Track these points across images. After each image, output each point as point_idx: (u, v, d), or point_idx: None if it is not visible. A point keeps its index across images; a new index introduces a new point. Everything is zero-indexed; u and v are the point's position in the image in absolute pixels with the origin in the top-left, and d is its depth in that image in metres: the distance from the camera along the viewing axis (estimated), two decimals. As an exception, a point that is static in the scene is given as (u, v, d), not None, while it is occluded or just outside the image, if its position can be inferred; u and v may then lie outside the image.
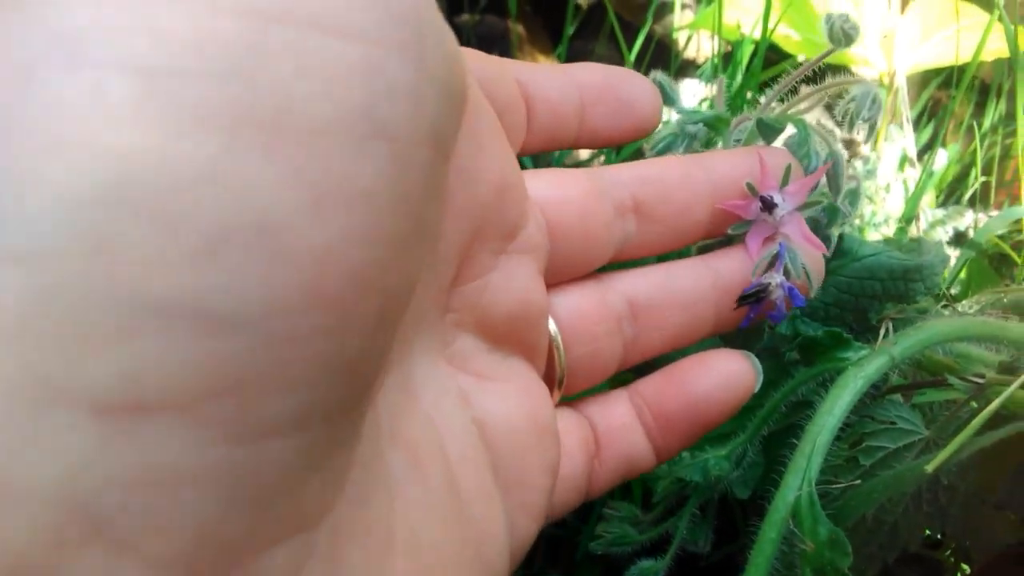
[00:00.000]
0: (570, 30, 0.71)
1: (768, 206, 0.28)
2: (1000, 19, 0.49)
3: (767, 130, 0.32)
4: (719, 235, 0.30)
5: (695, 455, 0.35)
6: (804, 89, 0.33)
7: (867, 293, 0.34)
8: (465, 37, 0.94)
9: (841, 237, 0.34)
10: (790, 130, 0.32)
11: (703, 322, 0.29)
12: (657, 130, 0.33)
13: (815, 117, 0.34)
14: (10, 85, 0.12)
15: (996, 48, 0.63)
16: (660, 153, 0.33)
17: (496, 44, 0.96)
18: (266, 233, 0.13)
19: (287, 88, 0.13)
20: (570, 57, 0.95)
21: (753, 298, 0.28)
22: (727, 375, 0.29)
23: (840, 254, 0.34)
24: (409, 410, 0.20)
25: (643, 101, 0.28)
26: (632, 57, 0.83)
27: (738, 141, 0.34)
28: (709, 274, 0.29)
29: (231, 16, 0.13)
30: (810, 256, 0.29)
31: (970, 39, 0.64)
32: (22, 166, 0.12)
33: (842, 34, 0.30)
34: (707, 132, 0.34)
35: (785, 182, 0.28)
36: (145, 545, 0.12)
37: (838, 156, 0.31)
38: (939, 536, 0.46)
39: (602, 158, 0.72)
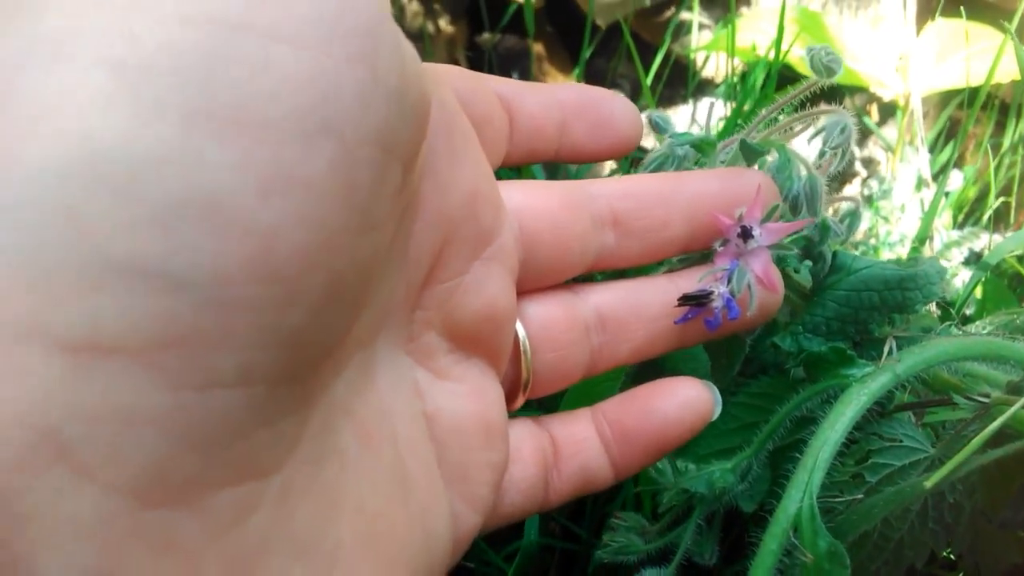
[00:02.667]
0: (588, 52, 0.72)
1: (745, 235, 0.29)
2: (1012, 42, 0.49)
3: (750, 153, 0.33)
4: (694, 250, 0.31)
5: (701, 467, 0.36)
6: (785, 118, 0.34)
7: (865, 304, 0.35)
8: (486, 56, 0.95)
9: (835, 254, 0.35)
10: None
11: (668, 336, 0.30)
12: (650, 152, 0.34)
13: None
14: (3, 76, 0.14)
15: (1012, 70, 0.63)
16: (651, 172, 0.34)
17: (516, 63, 0.98)
18: (216, 209, 0.15)
19: (242, 87, 0.15)
20: (588, 76, 0.97)
21: (694, 300, 0.29)
22: (687, 400, 0.29)
23: (836, 269, 0.35)
24: (366, 392, 0.22)
25: (623, 120, 0.29)
26: (650, 76, 0.84)
27: (723, 163, 0.35)
28: (674, 291, 0.30)
29: (197, 24, 0.15)
30: (762, 291, 0.30)
31: (985, 61, 0.64)
32: (8, 146, 0.14)
33: (823, 67, 0.31)
34: (696, 153, 0.35)
35: (768, 217, 0.30)
36: (102, 472, 0.14)
37: (815, 182, 0.32)
38: (952, 557, 0.46)
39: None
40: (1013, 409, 0.33)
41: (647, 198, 0.29)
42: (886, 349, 0.36)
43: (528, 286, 0.28)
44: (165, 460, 0.15)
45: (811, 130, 0.34)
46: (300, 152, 0.16)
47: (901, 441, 0.37)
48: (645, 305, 0.30)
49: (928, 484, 0.30)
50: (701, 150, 0.34)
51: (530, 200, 0.28)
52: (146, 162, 0.14)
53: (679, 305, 0.29)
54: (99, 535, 0.14)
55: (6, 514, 0.13)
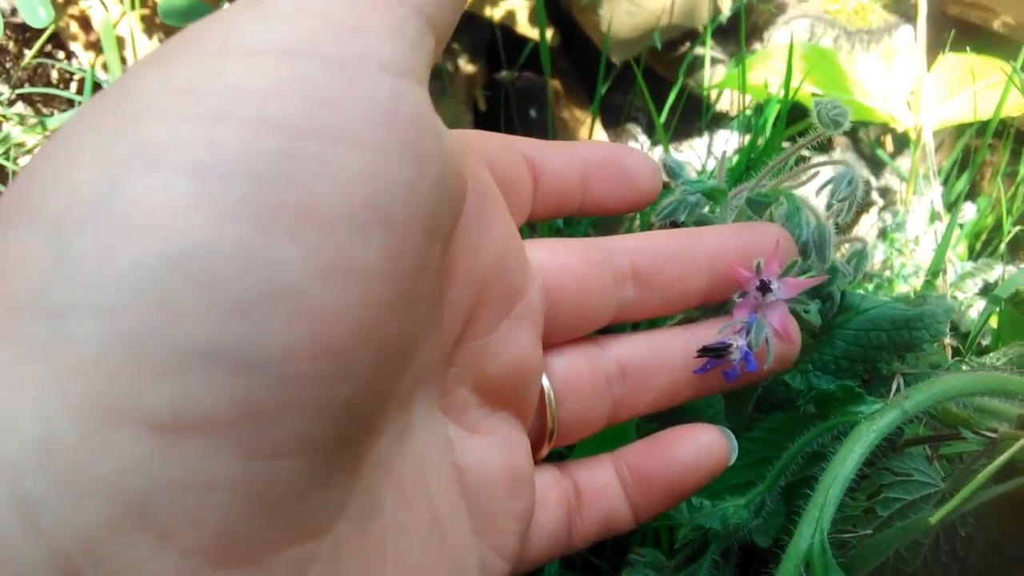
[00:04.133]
0: (603, 88, 0.74)
1: (764, 289, 0.30)
2: (1013, 78, 0.50)
3: (757, 206, 0.34)
4: (713, 302, 0.32)
5: (715, 503, 0.37)
6: (802, 164, 0.35)
7: (873, 344, 0.36)
8: (504, 92, 0.98)
9: (844, 294, 0.36)
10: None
11: (687, 385, 0.31)
12: (662, 199, 0.36)
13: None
14: (104, 184, 0.16)
15: (1021, 102, 0.64)
16: (665, 219, 0.35)
17: (534, 99, 1.00)
18: (286, 297, 0.16)
19: (309, 187, 0.17)
20: (605, 111, 0.98)
21: (713, 352, 0.30)
22: (703, 446, 0.31)
23: (844, 309, 0.36)
24: (404, 450, 0.23)
25: (643, 174, 0.31)
26: (666, 110, 0.86)
27: (735, 209, 0.36)
28: (694, 342, 0.31)
29: (269, 132, 0.17)
30: (778, 342, 0.31)
31: (995, 94, 0.65)
32: (108, 243, 0.16)
33: (829, 120, 0.33)
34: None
35: (787, 272, 0.31)
36: (181, 536, 0.16)
37: (824, 229, 0.33)
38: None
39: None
40: (1020, 443, 0.33)
41: (664, 253, 0.30)
42: (894, 386, 0.36)
43: (552, 339, 0.29)
44: (235, 524, 0.16)
45: (822, 176, 0.36)
46: (357, 242, 0.17)
47: (912, 476, 0.38)
48: (666, 356, 0.31)
49: (934, 519, 0.31)
50: (713, 198, 0.36)
51: (553, 258, 0.29)
52: (226, 258, 0.16)
53: (698, 356, 0.30)
54: None
55: (102, 572, 0.15)
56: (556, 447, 0.30)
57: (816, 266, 0.32)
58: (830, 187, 0.34)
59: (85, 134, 0.17)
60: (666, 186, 0.34)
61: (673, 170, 0.36)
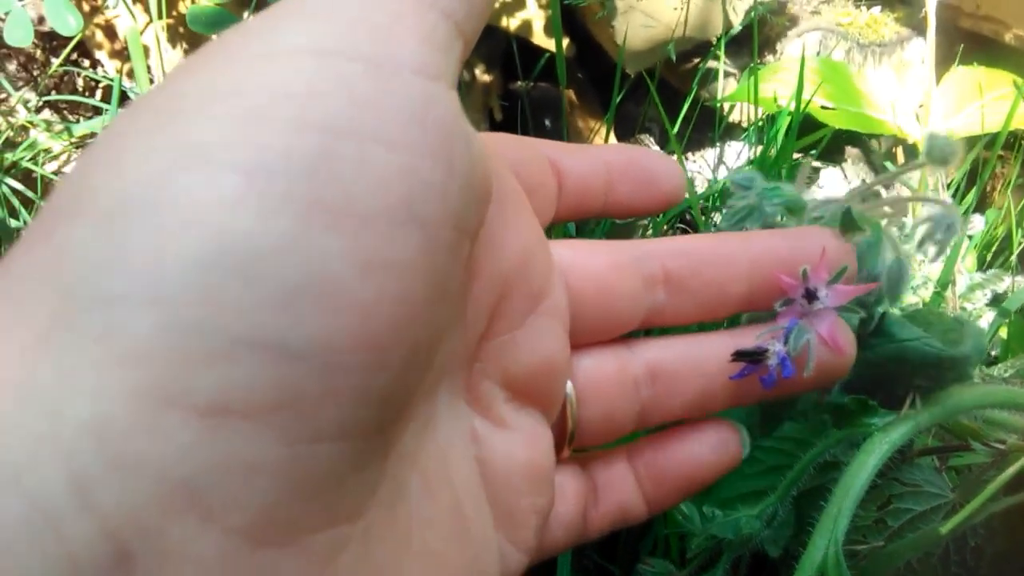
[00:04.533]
0: (618, 98, 0.75)
1: (810, 296, 0.29)
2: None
3: (851, 224, 0.32)
4: (756, 309, 0.31)
5: (728, 513, 0.37)
6: (884, 194, 0.33)
7: (897, 375, 0.35)
8: (520, 102, 0.99)
9: (883, 316, 0.35)
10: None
11: (723, 393, 0.30)
12: (734, 201, 0.35)
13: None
14: (154, 182, 0.17)
15: (1030, 117, 0.65)
16: (736, 224, 0.34)
17: (549, 109, 1.01)
18: (327, 290, 0.17)
19: (348, 186, 0.18)
20: (619, 121, 0.99)
21: (748, 356, 0.29)
22: (717, 441, 0.31)
23: (879, 333, 0.35)
24: (428, 440, 0.24)
25: (666, 177, 0.31)
26: (679, 121, 0.86)
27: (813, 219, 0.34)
28: (733, 347, 0.30)
29: (311, 132, 0.18)
30: (827, 352, 0.30)
31: (1004, 105, 0.66)
32: (159, 236, 0.17)
33: (940, 156, 0.32)
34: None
35: (836, 279, 0.30)
36: (224, 517, 0.16)
37: (904, 264, 0.32)
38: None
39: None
40: (1029, 457, 0.34)
41: (699, 257, 0.30)
42: (908, 399, 0.37)
43: (579, 341, 0.29)
44: (276, 506, 0.17)
45: (911, 217, 0.34)
46: (393, 238, 0.18)
47: (921, 487, 0.39)
48: (701, 361, 0.30)
49: (943, 530, 0.32)
50: (792, 211, 0.35)
51: (579, 259, 0.29)
52: (270, 251, 0.17)
53: (733, 360, 0.29)
54: (218, 571, 0.17)
55: (150, 550, 0.16)
56: (580, 449, 0.30)
57: (886, 305, 0.31)
58: (925, 226, 0.33)
59: (135, 132, 0.18)
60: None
61: (743, 185, 0.35)
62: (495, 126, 0.98)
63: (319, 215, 0.17)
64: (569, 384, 0.29)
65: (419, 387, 0.21)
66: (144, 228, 0.17)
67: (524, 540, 0.27)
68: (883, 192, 0.36)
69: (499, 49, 0.99)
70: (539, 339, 0.27)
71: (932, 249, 0.33)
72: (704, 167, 0.99)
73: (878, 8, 1.04)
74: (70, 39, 0.79)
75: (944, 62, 0.82)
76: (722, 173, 0.96)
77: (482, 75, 0.97)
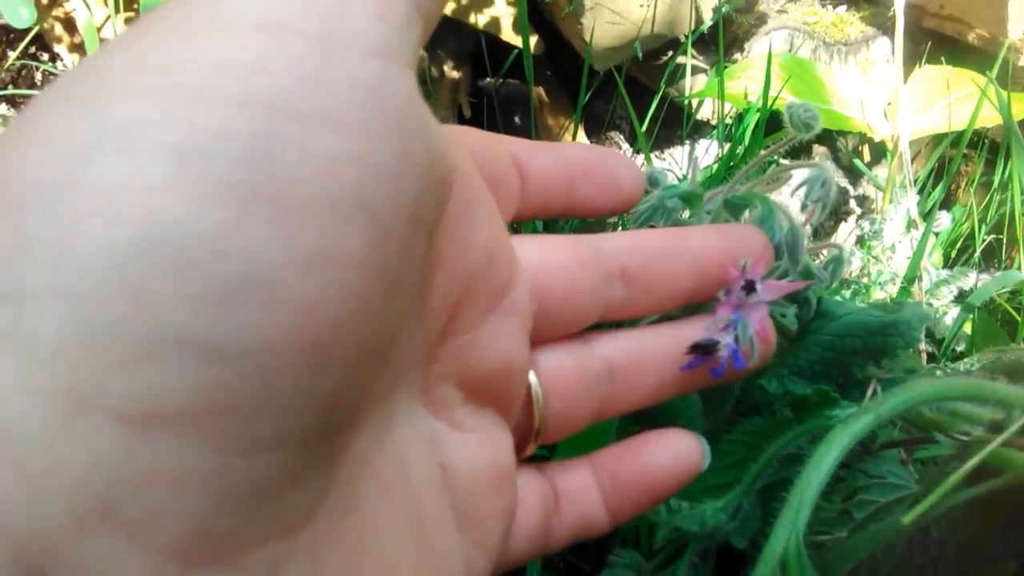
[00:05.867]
0: (585, 97, 0.75)
1: (749, 289, 0.31)
2: (988, 90, 0.51)
3: (733, 209, 0.35)
4: (699, 302, 0.32)
5: (693, 505, 0.37)
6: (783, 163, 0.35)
7: (848, 349, 0.37)
8: (488, 99, 0.98)
9: (820, 300, 0.37)
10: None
11: (673, 384, 0.31)
12: (639, 204, 0.36)
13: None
14: (70, 164, 0.16)
15: (996, 115, 0.66)
16: (643, 223, 0.36)
17: (518, 106, 1.00)
18: (264, 286, 0.16)
19: (291, 171, 0.17)
20: (588, 118, 0.99)
21: (702, 349, 0.30)
22: (678, 451, 0.31)
23: (820, 315, 0.37)
24: (385, 445, 0.23)
25: (627, 178, 0.31)
26: (648, 118, 0.86)
27: (709, 213, 0.36)
28: (680, 340, 0.31)
29: (251, 111, 0.16)
30: (760, 340, 0.31)
31: (969, 105, 0.66)
32: (74, 226, 0.15)
33: (801, 123, 0.33)
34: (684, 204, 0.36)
35: (769, 275, 0.31)
36: (148, 532, 0.15)
37: (797, 231, 0.33)
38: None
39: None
40: (990, 447, 0.34)
41: (654, 252, 0.30)
42: (869, 391, 0.37)
43: (540, 337, 0.29)
44: (207, 521, 0.16)
45: (795, 180, 0.36)
46: (339, 230, 0.17)
47: (886, 478, 0.39)
48: (652, 354, 0.31)
49: (905, 520, 0.32)
50: (688, 203, 0.36)
51: (543, 254, 0.29)
52: (203, 243, 0.15)
53: (688, 353, 0.30)
54: None
55: (63, 572, 0.14)
56: (539, 445, 0.31)
57: (790, 269, 0.33)
58: (804, 189, 0.34)
59: (50, 114, 0.17)
60: (646, 193, 0.34)
61: (656, 179, 0.37)
62: (463, 122, 0.97)
63: (258, 204, 0.16)
64: (535, 381, 0.29)
65: (372, 389, 0.20)
66: (53, 215, 0.15)
67: (490, 544, 0.26)
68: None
69: (468, 46, 0.98)
70: (499, 339, 0.26)
71: (817, 208, 0.34)
72: (673, 165, 0.99)
73: (844, 8, 1.05)
74: (27, 32, 0.77)
75: (909, 61, 0.82)
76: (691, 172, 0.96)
77: (451, 71, 0.96)
